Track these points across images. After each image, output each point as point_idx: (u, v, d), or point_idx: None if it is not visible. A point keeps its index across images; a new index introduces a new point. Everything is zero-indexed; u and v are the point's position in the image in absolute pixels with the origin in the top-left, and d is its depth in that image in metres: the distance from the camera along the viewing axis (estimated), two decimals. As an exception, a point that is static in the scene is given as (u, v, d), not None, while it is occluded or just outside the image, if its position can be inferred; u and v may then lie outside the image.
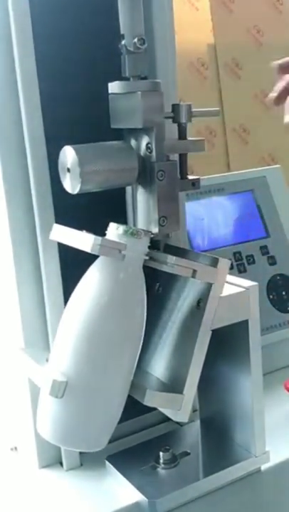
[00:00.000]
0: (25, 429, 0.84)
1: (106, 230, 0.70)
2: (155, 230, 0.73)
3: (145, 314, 0.71)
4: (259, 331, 0.78)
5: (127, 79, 0.72)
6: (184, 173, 0.77)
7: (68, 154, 0.70)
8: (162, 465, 0.79)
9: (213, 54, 1.92)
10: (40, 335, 0.80)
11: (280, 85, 0.85)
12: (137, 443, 0.86)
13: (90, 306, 0.68)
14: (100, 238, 0.65)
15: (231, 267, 1.04)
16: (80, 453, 0.83)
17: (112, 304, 0.69)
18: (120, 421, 0.72)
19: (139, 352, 0.71)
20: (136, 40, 0.70)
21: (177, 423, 0.88)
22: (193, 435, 0.88)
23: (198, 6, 1.88)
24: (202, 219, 1.08)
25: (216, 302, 0.70)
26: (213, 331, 0.71)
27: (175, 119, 0.76)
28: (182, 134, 0.76)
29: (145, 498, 0.74)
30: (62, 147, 0.71)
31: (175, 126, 0.76)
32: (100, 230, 0.69)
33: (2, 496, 0.81)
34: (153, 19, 0.81)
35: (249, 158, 1.92)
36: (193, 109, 0.76)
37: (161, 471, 0.79)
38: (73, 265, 0.70)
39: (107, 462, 0.81)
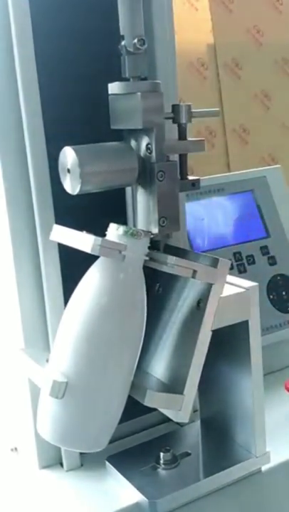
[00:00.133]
0: (25, 430, 0.84)
1: (106, 230, 0.70)
2: (155, 230, 0.73)
3: (145, 315, 0.71)
4: (259, 331, 0.78)
5: (126, 79, 0.72)
6: (184, 174, 0.77)
7: (68, 155, 0.70)
8: (163, 465, 0.79)
9: (213, 54, 1.92)
10: (40, 335, 0.80)
11: None
12: (137, 443, 0.86)
13: (90, 306, 0.68)
14: (100, 239, 0.65)
15: (231, 268, 1.04)
16: (81, 453, 0.83)
17: (112, 304, 0.69)
18: (120, 421, 0.72)
19: (139, 352, 0.71)
20: (136, 40, 0.70)
21: (177, 423, 0.88)
22: (193, 435, 0.88)
23: (197, 6, 1.87)
24: (202, 219, 1.08)
25: (216, 303, 0.70)
26: (213, 331, 0.71)
27: (175, 119, 0.76)
28: (182, 135, 0.76)
29: (145, 499, 0.74)
30: (62, 147, 0.71)
31: (175, 126, 0.76)
32: (100, 231, 0.69)
33: (2, 497, 0.81)
34: (153, 19, 0.81)
35: (249, 158, 1.92)
36: (193, 110, 0.76)
37: (161, 471, 0.79)
38: (73, 266, 0.70)
39: (107, 463, 0.81)
